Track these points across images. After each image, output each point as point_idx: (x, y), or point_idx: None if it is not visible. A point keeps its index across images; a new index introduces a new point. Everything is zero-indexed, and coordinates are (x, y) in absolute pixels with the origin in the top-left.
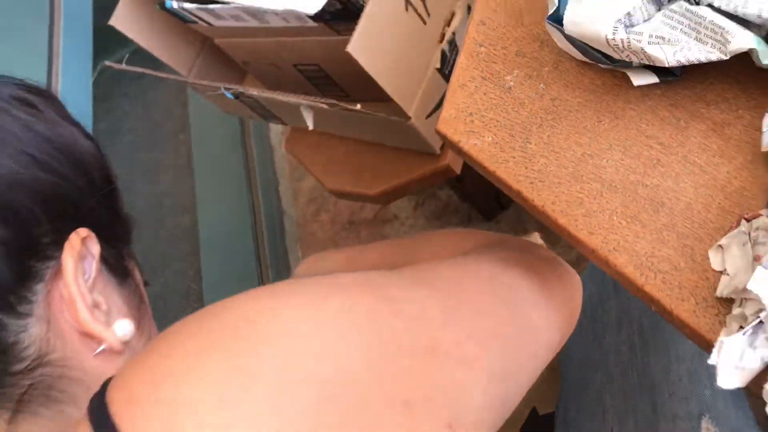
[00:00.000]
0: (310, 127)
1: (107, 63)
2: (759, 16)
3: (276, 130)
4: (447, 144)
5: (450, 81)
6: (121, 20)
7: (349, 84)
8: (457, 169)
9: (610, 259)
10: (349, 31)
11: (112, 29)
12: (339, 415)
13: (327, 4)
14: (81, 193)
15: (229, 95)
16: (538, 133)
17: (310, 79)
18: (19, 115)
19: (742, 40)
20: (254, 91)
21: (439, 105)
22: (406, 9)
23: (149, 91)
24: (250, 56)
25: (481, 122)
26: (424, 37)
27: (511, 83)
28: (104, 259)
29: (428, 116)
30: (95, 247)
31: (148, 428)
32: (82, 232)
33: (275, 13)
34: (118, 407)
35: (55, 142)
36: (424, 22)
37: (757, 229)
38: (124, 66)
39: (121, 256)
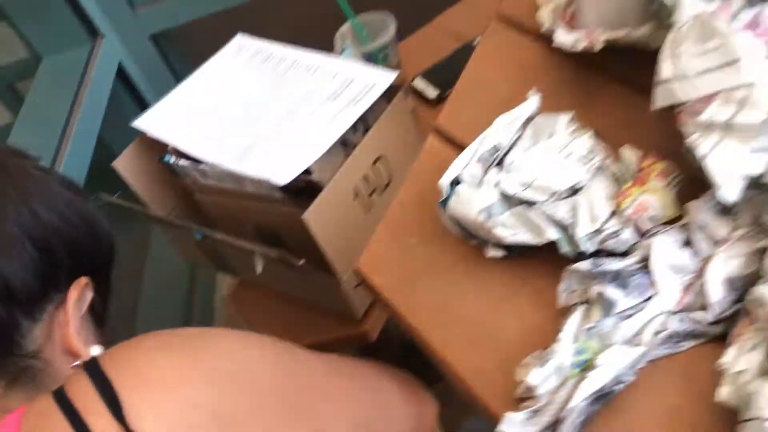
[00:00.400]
0: (258, 271)
1: (103, 195)
2: (561, 221)
3: (221, 291)
4: (359, 277)
5: (372, 238)
6: (122, 165)
7: (296, 249)
8: (373, 337)
9: (454, 366)
10: (307, 205)
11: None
12: (245, 402)
13: (294, 180)
14: (93, 255)
15: (199, 236)
16: (423, 279)
17: (265, 240)
18: (64, 193)
19: (551, 233)
20: (219, 236)
21: None
22: (354, 198)
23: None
24: (221, 213)
25: (387, 267)
26: (364, 223)
27: (413, 244)
28: (92, 306)
29: (356, 286)
30: (90, 294)
31: (123, 372)
32: (86, 280)
33: (252, 180)
34: (108, 366)
35: (84, 216)
36: (367, 212)
37: (550, 352)
38: (118, 200)
39: (103, 309)
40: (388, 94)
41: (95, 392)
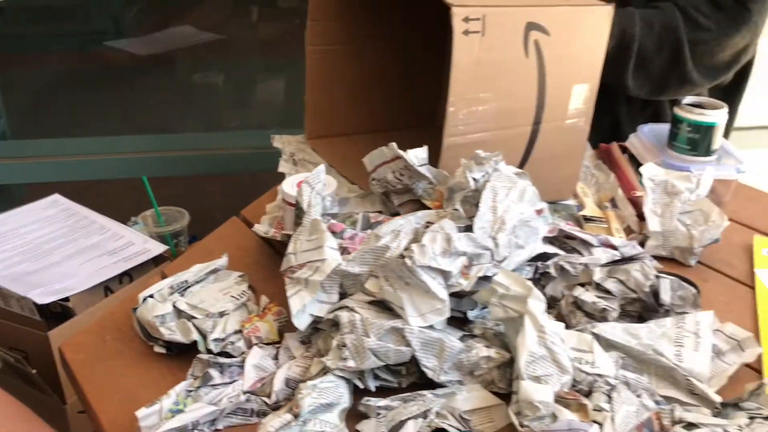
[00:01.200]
0: None
1: None
2: (204, 330)
3: None
4: (61, 353)
5: (80, 330)
6: None
7: (36, 370)
8: None
9: (99, 415)
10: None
11: None
12: None
13: (52, 304)
14: None
15: None
16: (106, 363)
17: (15, 368)
18: None
19: (195, 336)
20: None
21: None
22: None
23: None
24: None
25: (82, 350)
26: None
27: (109, 339)
28: None
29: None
30: None
31: None
32: None
33: (18, 299)
34: None
35: None
36: None
37: (158, 400)
38: None
39: None
40: (158, 261)
41: None
